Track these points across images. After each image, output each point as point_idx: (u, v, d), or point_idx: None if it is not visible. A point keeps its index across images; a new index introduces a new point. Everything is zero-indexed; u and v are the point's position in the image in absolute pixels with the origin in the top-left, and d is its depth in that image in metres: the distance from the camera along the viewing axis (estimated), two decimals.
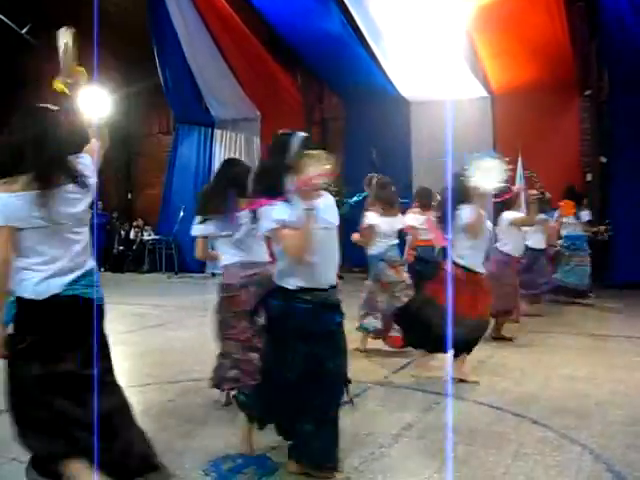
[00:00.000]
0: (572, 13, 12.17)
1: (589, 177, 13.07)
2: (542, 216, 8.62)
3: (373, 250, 6.90)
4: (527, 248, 8.47)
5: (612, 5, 11.63)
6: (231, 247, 4.68)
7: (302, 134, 3.55)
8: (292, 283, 3.47)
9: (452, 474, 3.75)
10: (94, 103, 13.91)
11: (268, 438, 4.22)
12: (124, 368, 6.52)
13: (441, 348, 5.36)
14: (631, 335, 7.81)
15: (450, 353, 5.52)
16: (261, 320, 3.80)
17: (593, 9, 12.32)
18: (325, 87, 15.94)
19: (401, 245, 7.39)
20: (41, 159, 2.96)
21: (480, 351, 6.67)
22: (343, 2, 12.37)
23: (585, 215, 10.37)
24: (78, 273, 3.09)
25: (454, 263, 5.52)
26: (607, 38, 12.38)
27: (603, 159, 12.86)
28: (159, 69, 15.43)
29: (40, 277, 2.97)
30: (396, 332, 6.62)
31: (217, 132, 16.91)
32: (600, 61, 13.15)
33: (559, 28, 11.86)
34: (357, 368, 6.26)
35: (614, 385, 5.57)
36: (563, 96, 12.87)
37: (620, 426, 4.51)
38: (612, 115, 13.00)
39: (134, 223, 18.32)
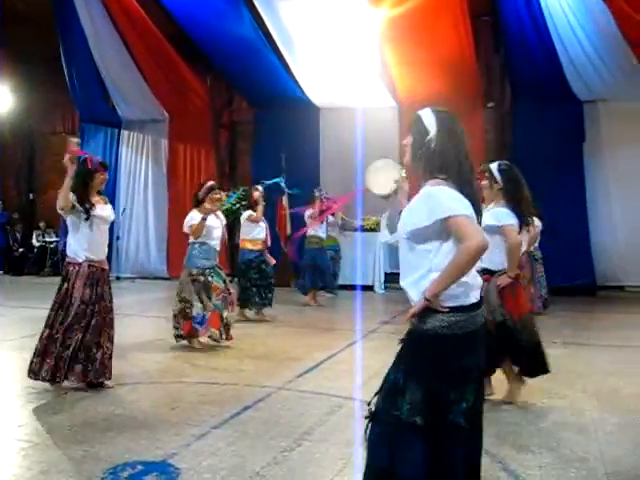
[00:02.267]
0: (478, 27, 12.57)
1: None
2: None
3: None
4: None
5: (515, 20, 12.06)
6: None
7: None
8: None
9: (353, 477, 3.81)
10: None
11: (170, 444, 4.20)
12: (21, 374, 6.32)
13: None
14: None
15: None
16: None
17: (497, 24, 12.75)
18: (235, 90, 15.88)
19: None
20: None
21: (383, 354, 6.80)
22: (254, 6, 12.37)
23: None
24: None
25: None
26: (510, 52, 12.84)
27: None
28: (65, 67, 15.02)
29: None
30: None
31: (124, 133, 16.60)
32: (503, 74, 13.60)
33: (465, 41, 12.23)
34: (262, 372, 6.30)
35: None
36: (468, 107, 13.23)
37: (514, 427, 4.67)
38: (515, 125, 13.48)
39: (40, 224, 17.71)
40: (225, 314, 7.42)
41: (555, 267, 11.15)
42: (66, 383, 5.50)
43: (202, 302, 7.29)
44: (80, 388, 5.56)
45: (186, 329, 7.32)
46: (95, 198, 5.69)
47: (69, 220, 5.66)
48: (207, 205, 7.42)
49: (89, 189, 5.64)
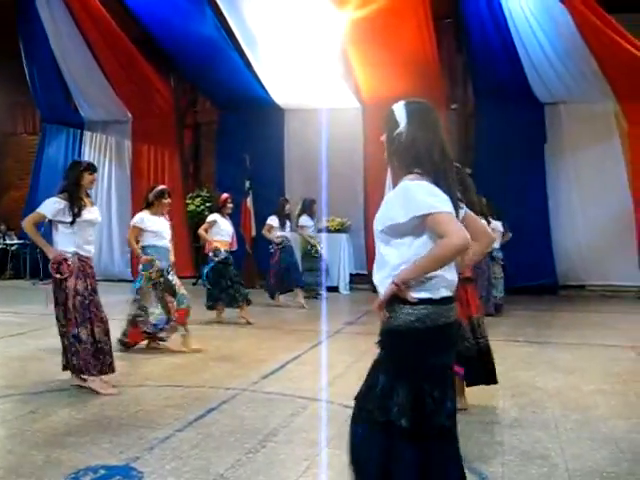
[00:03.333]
0: (440, 29, 12.68)
1: (469, 181, 13.57)
2: None
3: None
4: None
5: (477, 22, 12.20)
6: None
7: None
8: None
9: (318, 477, 3.81)
10: None
11: (133, 448, 4.17)
12: None
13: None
14: None
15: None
16: None
17: (460, 25, 12.87)
18: (198, 91, 15.81)
19: None
20: None
21: (348, 355, 6.83)
22: (217, 5, 12.34)
23: None
24: None
25: None
26: (472, 54, 12.97)
27: (468, 170, 13.38)
28: (25, 66, 14.83)
29: None
30: None
31: (87, 134, 16.41)
32: (466, 76, 13.73)
33: (428, 43, 12.33)
34: (227, 374, 6.29)
35: None
36: None
37: (475, 425, 4.71)
38: (477, 128, 13.63)
39: (0, 227, 17.39)
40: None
41: (517, 267, 11.30)
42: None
43: (165, 306, 7.27)
44: (48, 390, 5.51)
45: (132, 337, 7.34)
46: (86, 199, 5.82)
47: (54, 223, 5.74)
48: (156, 208, 7.42)
49: (80, 190, 5.73)
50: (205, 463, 3.95)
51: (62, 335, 5.67)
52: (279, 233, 11.09)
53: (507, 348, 7.37)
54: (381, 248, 2.73)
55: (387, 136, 2.81)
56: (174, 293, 7.33)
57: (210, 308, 9.45)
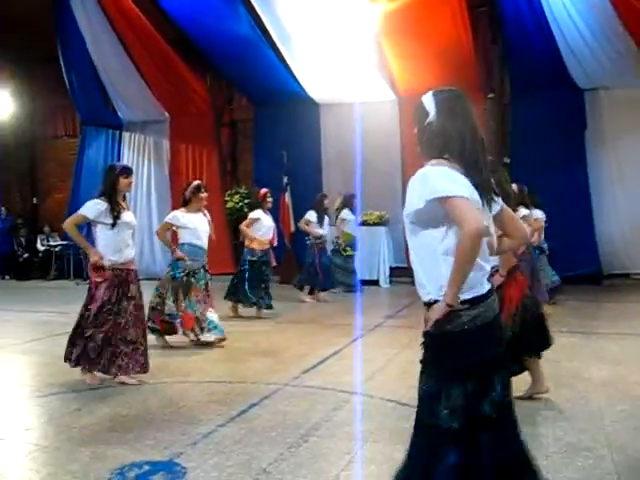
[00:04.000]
0: (475, 18, 12.55)
1: (502, 173, 13.43)
2: None
3: None
4: None
5: (513, 11, 12.04)
6: None
7: None
8: None
9: (361, 472, 3.81)
10: None
11: (177, 444, 4.21)
12: (28, 378, 6.37)
13: None
14: None
15: None
16: None
17: (495, 14, 12.72)
18: (234, 89, 15.87)
19: None
20: None
21: (388, 349, 6.81)
22: (251, 4, 12.38)
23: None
24: None
25: None
26: (508, 42, 12.80)
27: (507, 159, 13.26)
28: (64, 70, 15.04)
29: None
30: None
31: (125, 135, 16.59)
32: (502, 64, 13.56)
33: (463, 33, 12.22)
34: (268, 369, 6.32)
35: None
36: (468, 98, 13.20)
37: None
38: (514, 117, 13.46)
39: (44, 229, 17.71)
40: (200, 315, 7.38)
41: (560, 257, 11.12)
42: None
43: (176, 300, 7.33)
44: (92, 388, 5.60)
45: (161, 325, 7.42)
46: (122, 203, 5.94)
47: (94, 226, 5.88)
48: (194, 204, 7.48)
49: (117, 193, 5.86)
50: (248, 458, 3.98)
51: (75, 327, 5.83)
52: (319, 231, 11.08)
53: None
54: (412, 240, 2.68)
55: (418, 127, 2.77)
56: (185, 294, 7.35)
57: (232, 300, 9.52)
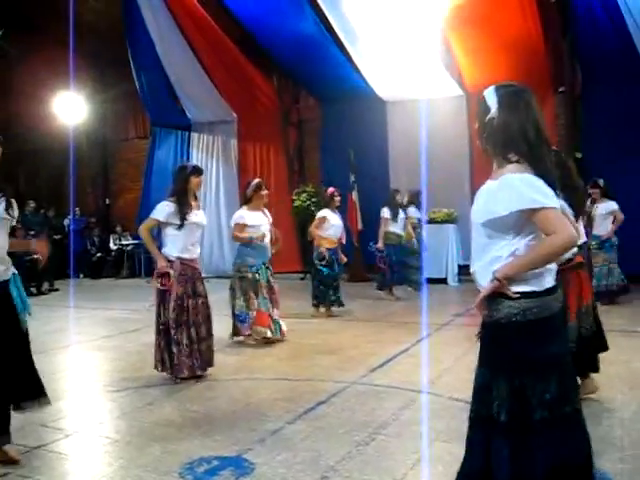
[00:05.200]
0: (544, 10, 12.27)
1: (569, 164, 13.12)
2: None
3: None
4: None
5: (584, 1, 11.73)
6: None
7: None
8: None
9: (428, 471, 3.78)
10: (70, 109, 14.04)
11: (245, 440, 4.25)
12: (102, 373, 6.53)
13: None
14: None
15: None
16: None
17: (565, 5, 12.41)
18: (301, 88, 15.93)
19: None
20: None
21: (456, 347, 6.73)
22: (316, 2, 12.39)
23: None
24: None
25: None
26: (579, 34, 12.47)
27: (578, 154, 12.95)
28: (134, 73, 15.34)
29: None
30: None
31: (194, 135, 16.82)
32: (573, 57, 13.24)
33: (532, 25, 11.96)
34: (335, 367, 6.31)
35: None
36: (538, 92, 12.59)
37: (592, 419, 4.55)
38: (586, 110, 13.12)
39: (116, 228, 18.14)
40: (273, 311, 7.48)
41: (631, 253, 10.78)
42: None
43: (247, 300, 7.39)
44: (163, 384, 5.70)
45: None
46: (193, 202, 6.04)
47: (164, 227, 6.00)
48: (255, 202, 7.55)
49: (188, 193, 5.97)
50: (315, 455, 3.98)
51: (159, 333, 5.90)
52: (391, 229, 11.03)
53: (623, 339, 7.04)
54: (480, 240, 2.66)
55: (479, 123, 2.74)
56: (256, 292, 7.43)
57: (316, 306, 9.52)
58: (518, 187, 2.50)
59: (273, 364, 6.61)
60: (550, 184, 2.56)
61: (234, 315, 7.51)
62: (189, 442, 4.27)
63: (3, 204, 4.01)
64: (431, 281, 12.05)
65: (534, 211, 2.47)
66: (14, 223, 4.15)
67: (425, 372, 5.92)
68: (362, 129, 14.35)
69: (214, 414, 4.92)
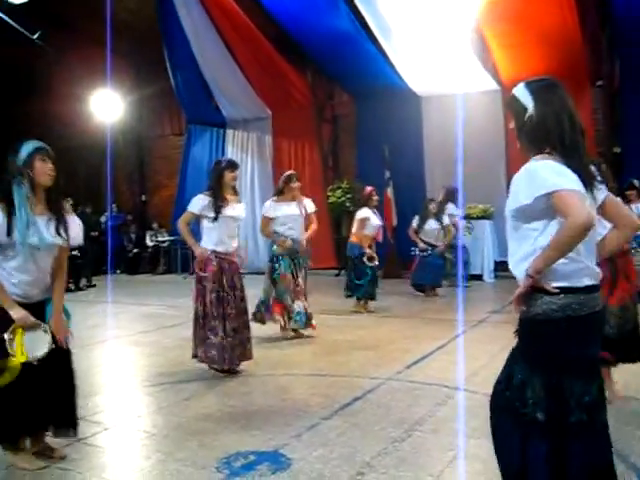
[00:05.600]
0: (582, 3, 12.09)
1: (603, 167, 12.94)
2: None
3: None
4: None
5: None
6: None
7: None
8: None
9: (464, 468, 3.76)
10: (107, 107, 14.18)
11: (281, 435, 4.26)
12: (139, 367, 6.60)
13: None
14: None
15: None
16: None
17: None
18: (335, 84, 15.91)
19: None
20: None
21: (492, 344, 6.67)
22: None
23: None
24: None
25: None
26: (618, 28, 12.29)
27: (617, 149, 12.77)
28: (170, 70, 15.48)
29: None
30: None
31: (229, 132, 16.93)
32: (611, 51, 13.05)
33: (569, 18, 11.79)
34: (371, 363, 6.31)
35: None
36: (575, 87, 12.68)
37: (633, 417, 4.48)
38: (624, 105, 12.92)
39: (153, 225, 18.31)
40: (291, 303, 7.48)
41: None
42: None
43: (268, 288, 7.55)
44: (200, 378, 5.74)
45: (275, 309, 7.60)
46: (230, 196, 6.06)
47: (200, 220, 6.09)
48: (286, 194, 7.60)
49: (222, 187, 6.01)
50: (351, 451, 3.99)
51: (196, 326, 5.95)
52: (421, 237, 11.03)
53: None
54: (513, 234, 2.65)
55: (516, 122, 2.72)
56: (274, 282, 7.52)
57: (358, 299, 9.57)
58: (538, 172, 2.50)
59: (309, 360, 6.63)
60: (585, 178, 2.53)
61: (260, 301, 7.63)
62: (226, 437, 4.30)
63: (53, 226, 3.85)
64: (467, 277, 11.99)
65: (551, 195, 2.43)
66: (66, 244, 3.98)
67: (461, 369, 5.89)
68: (397, 125, 14.29)
69: (251, 409, 4.95)
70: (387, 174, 13.97)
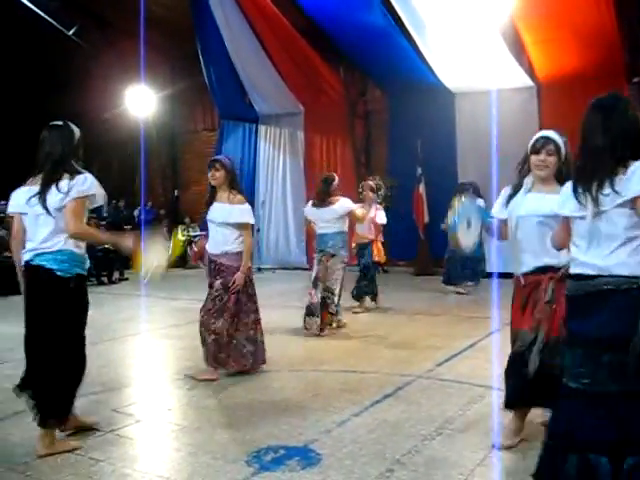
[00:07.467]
0: None
1: None
2: None
3: None
4: None
5: None
6: None
7: None
8: None
9: (496, 467, 3.72)
10: (141, 102, 14.31)
11: (311, 430, 4.26)
12: (169, 361, 6.65)
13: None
14: None
15: None
16: None
17: None
18: (368, 80, 15.85)
19: None
20: None
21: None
22: None
23: None
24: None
25: None
26: None
27: None
28: (203, 66, 15.53)
29: None
30: None
31: (261, 127, 16.94)
32: None
33: (606, 13, 11.60)
34: (401, 360, 6.29)
35: None
36: (611, 83, 12.49)
37: None
38: None
39: (185, 220, 18.43)
40: (316, 292, 7.68)
41: None
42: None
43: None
44: (229, 374, 5.76)
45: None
46: (222, 196, 5.74)
47: None
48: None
49: (213, 188, 5.81)
50: (381, 448, 3.97)
51: (201, 325, 5.86)
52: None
53: None
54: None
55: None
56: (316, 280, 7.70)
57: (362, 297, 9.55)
58: None
59: (340, 356, 6.62)
60: None
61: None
62: (256, 431, 4.31)
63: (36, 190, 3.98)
64: (499, 275, 11.85)
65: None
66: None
67: (493, 368, 5.83)
68: (429, 121, 14.18)
69: (281, 404, 4.94)
70: (419, 171, 13.91)
